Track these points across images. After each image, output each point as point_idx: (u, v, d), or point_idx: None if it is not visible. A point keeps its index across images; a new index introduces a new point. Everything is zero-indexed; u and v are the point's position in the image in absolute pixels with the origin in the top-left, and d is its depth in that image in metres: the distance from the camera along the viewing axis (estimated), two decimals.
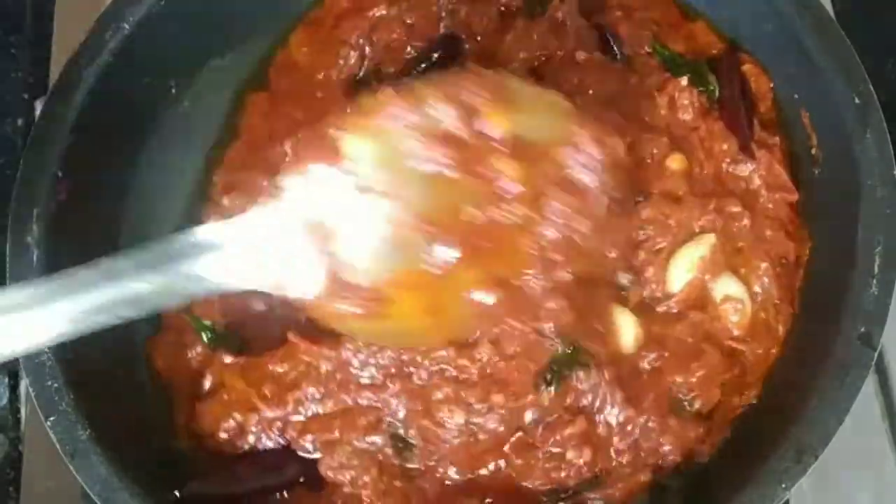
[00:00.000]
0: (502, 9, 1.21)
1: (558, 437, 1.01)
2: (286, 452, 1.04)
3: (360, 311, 0.84)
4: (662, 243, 1.08)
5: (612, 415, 1.02)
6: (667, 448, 1.03)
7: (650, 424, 1.03)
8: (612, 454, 1.02)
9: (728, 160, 1.11)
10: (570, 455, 1.01)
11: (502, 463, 1.02)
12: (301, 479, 1.02)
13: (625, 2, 1.21)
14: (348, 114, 0.84)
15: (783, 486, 0.93)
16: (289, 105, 1.20)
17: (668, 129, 1.12)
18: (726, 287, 1.07)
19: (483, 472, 1.02)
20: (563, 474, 1.01)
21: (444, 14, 1.19)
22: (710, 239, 1.07)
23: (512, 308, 0.89)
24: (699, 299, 1.07)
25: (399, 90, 0.84)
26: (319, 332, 1.03)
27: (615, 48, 1.17)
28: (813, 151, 1.12)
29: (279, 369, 1.05)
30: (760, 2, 1.15)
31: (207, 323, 1.09)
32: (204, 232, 0.85)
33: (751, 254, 1.09)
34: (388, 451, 1.02)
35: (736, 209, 1.09)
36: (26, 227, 1.03)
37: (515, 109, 0.85)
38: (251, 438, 1.04)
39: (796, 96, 1.14)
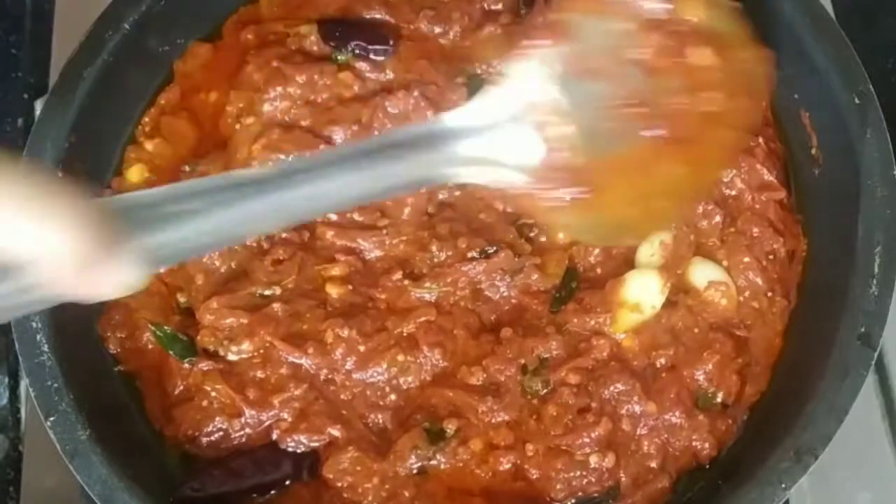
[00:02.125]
0: (488, 8, 1.21)
1: (587, 440, 1.00)
2: (279, 448, 1.03)
3: (567, 199, 0.83)
4: None
5: (634, 407, 1.02)
6: (698, 444, 1.02)
7: (676, 421, 1.02)
8: (640, 458, 1.01)
9: None
10: (593, 460, 1.00)
11: (516, 461, 1.01)
12: (297, 474, 1.02)
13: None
14: None
15: (783, 486, 0.93)
16: (230, 59, 1.19)
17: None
18: (706, 273, 1.08)
19: (496, 467, 1.01)
20: (584, 482, 1.00)
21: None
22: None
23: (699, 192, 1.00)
24: (680, 289, 1.08)
25: None
26: (299, 336, 1.04)
27: None
28: (813, 151, 1.12)
29: (260, 375, 1.04)
30: (760, 1, 1.15)
31: (166, 327, 1.07)
32: (449, 119, 0.82)
33: (732, 248, 1.09)
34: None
35: (708, 207, 1.10)
36: None
37: (713, 7, 0.88)
38: (235, 441, 1.03)
39: (796, 96, 1.14)
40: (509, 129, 0.82)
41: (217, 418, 1.03)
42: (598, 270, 1.10)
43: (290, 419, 1.02)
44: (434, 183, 0.86)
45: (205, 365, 1.04)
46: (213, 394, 1.03)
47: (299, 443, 1.02)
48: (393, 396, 1.04)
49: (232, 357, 1.05)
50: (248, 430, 1.03)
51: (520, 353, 1.04)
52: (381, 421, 1.04)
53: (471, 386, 1.04)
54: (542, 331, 1.06)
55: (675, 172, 0.89)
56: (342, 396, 1.04)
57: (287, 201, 0.73)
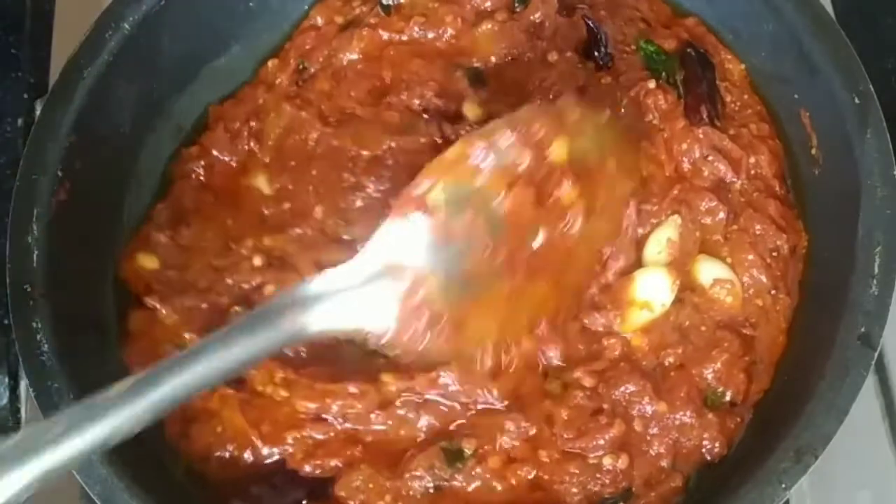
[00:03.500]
0: (480, 8, 1.20)
1: (601, 442, 1.00)
2: (294, 473, 1.02)
3: (432, 348, 0.89)
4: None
5: (645, 407, 1.02)
6: (708, 443, 1.02)
7: (687, 420, 1.02)
8: (652, 459, 1.01)
9: (696, 156, 1.12)
10: (606, 462, 1.00)
11: (534, 472, 1.01)
12: (312, 498, 1.01)
13: None
14: (436, 165, 0.90)
15: (783, 486, 0.93)
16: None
17: (626, 127, 1.12)
18: (711, 271, 1.08)
19: (514, 481, 1.00)
20: (599, 485, 1.00)
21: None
22: (676, 220, 1.09)
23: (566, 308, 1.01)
24: (687, 287, 1.08)
25: (479, 137, 0.90)
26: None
27: (601, 47, 1.17)
28: (813, 151, 1.12)
29: (283, 411, 1.03)
30: (760, 2, 1.15)
31: None
32: (308, 289, 0.87)
33: (736, 245, 1.09)
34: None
35: (712, 203, 1.10)
36: (26, 227, 1.03)
37: (573, 135, 0.93)
38: (246, 463, 1.02)
39: (796, 96, 1.14)
40: (372, 291, 0.87)
41: (229, 445, 1.03)
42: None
43: (304, 452, 1.02)
44: (301, 339, 0.90)
45: (228, 391, 1.03)
46: (228, 422, 1.03)
47: (316, 466, 1.01)
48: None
49: (277, 398, 1.04)
50: (257, 460, 1.02)
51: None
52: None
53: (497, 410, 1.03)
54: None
55: (539, 294, 0.95)
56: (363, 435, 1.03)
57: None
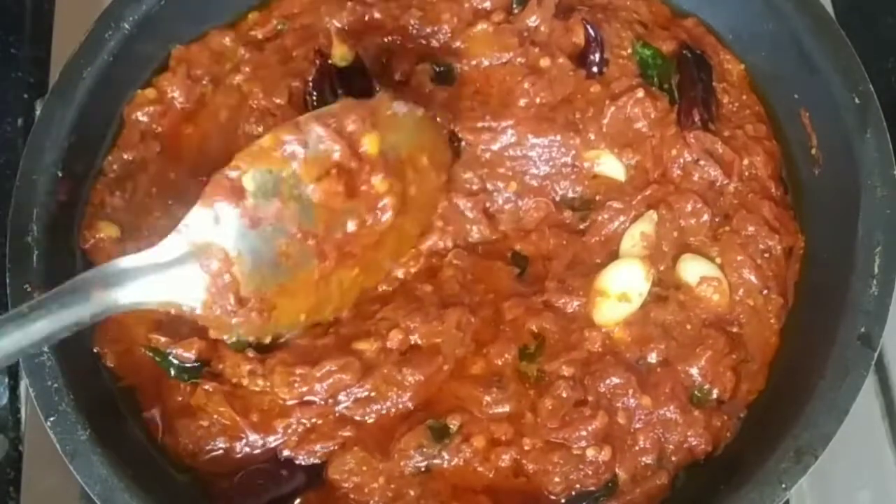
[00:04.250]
0: (478, 7, 1.20)
1: (583, 433, 1.01)
2: (289, 460, 1.02)
3: (243, 324, 0.97)
4: (609, 224, 1.11)
5: (629, 400, 1.02)
6: (693, 440, 1.02)
7: (672, 416, 1.02)
8: (637, 453, 1.02)
9: (687, 160, 1.12)
10: (590, 454, 1.00)
11: (517, 458, 1.01)
12: (310, 483, 1.01)
13: (613, 1, 1.21)
14: (248, 152, 0.95)
15: (783, 486, 0.93)
16: None
17: (609, 136, 1.13)
18: (698, 269, 1.08)
19: (498, 463, 1.01)
20: (581, 475, 1.00)
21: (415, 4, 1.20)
22: (652, 216, 1.10)
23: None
24: (671, 285, 1.08)
25: (290, 128, 0.96)
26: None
27: (596, 52, 1.16)
28: (813, 151, 1.12)
29: (268, 399, 1.03)
30: (760, 2, 1.15)
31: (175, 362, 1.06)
32: (118, 264, 0.93)
33: (726, 246, 1.09)
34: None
35: (697, 205, 1.10)
36: (26, 227, 1.03)
37: (385, 130, 1.00)
38: (238, 456, 1.02)
39: (796, 96, 1.14)
40: (181, 269, 0.94)
41: (219, 438, 1.02)
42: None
43: (296, 439, 1.02)
44: (113, 311, 0.94)
45: (209, 386, 1.03)
46: (216, 416, 1.02)
47: (311, 452, 1.02)
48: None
49: (255, 388, 1.04)
50: (250, 450, 1.02)
51: (516, 332, 1.05)
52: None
53: (474, 377, 1.04)
54: (533, 306, 1.07)
55: (348, 278, 1.03)
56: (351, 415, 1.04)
57: None
